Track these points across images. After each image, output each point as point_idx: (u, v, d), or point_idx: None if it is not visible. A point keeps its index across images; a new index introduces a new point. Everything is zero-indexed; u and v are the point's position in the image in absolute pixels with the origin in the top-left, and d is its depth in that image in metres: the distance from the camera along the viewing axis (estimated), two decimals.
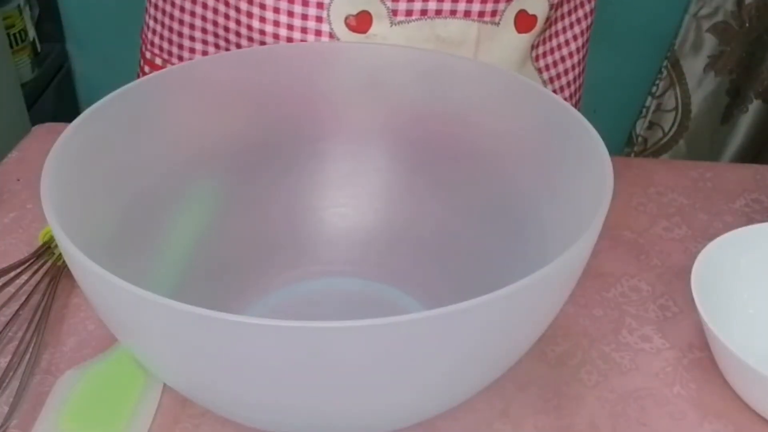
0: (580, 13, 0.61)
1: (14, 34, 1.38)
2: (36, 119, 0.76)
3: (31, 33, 1.44)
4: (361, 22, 0.53)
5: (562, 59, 0.61)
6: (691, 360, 0.48)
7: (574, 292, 0.38)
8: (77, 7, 1.50)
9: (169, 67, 0.53)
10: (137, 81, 0.45)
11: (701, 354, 0.48)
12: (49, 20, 1.51)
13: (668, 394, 0.45)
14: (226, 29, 0.57)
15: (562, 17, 0.60)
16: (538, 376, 0.46)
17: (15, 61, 1.36)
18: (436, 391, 0.36)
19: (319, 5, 0.53)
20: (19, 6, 1.38)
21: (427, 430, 0.42)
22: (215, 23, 0.57)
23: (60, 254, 0.51)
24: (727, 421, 0.44)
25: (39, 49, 1.48)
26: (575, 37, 0.61)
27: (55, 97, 1.51)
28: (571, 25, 0.61)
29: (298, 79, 0.51)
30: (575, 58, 0.62)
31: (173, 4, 0.59)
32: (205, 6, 0.57)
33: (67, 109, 1.52)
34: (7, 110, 1.23)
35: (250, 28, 0.55)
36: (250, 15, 0.54)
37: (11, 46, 1.35)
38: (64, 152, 0.39)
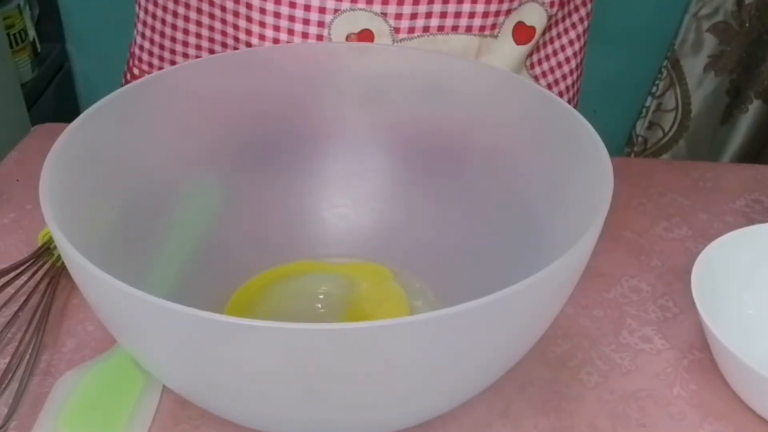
0: (575, 17, 0.61)
1: (14, 34, 1.38)
2: (36, 119, 0.76)
3: (31, 33, 1.44)
4: (362, 41, 0.53)
5: (559, 65, 0.61)
6: (691, 361, 0.48)
7: (574, 292, 0.38)
8: (77, 7, 1.50)
9: (168, 67, 0.52)
10: (137, 81, 0.45)
11: (701, 355, 0.48)
12: (49, 20, 1.51)
13: (668, 394, 0.45)
14: (224, 45, 0.57)
15: (557, 23, 0.60)
16: (538, 377, 0.46)
17: (15, 61, 1.36)
18: (436, 392, 0.36)
19: (320, 24, 0.52)
20: (19, 6, 1.38)
21: (426, 430, 0.42)
22: (211, 40, 0.57)
23: (59, 255, 0.51)
24: (727, 422, 0.44)
25: (39, 49, 1.48)
26: (571, 42, 0.61)
27: (55, 97, 1.51)
28: (566, 30, 0.61)
29: (298, 80, 0.51)
30: (572, 63, 0.62)
31: (164, 22, 0.58)
32: (199, 24, 0.57)
33: (67, 109, 1.52)
34: (7, 110, 1.23)
35: (248, 45, 0.54)
36: (248, 33, 0.54)
37: (11, 46, 1.35)
38: (64, 153, 0.39)
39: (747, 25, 1.20)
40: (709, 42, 1.23)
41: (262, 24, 0.53)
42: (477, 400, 0.42)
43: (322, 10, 0.52)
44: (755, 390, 0.43)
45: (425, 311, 0.34)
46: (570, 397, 0.45)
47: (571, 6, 0.60)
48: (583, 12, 0.61)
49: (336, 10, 0.52)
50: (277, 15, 0.52)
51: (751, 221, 0.58)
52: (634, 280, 0.53)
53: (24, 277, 0.50)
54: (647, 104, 1.30)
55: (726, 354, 0.43)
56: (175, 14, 0.57)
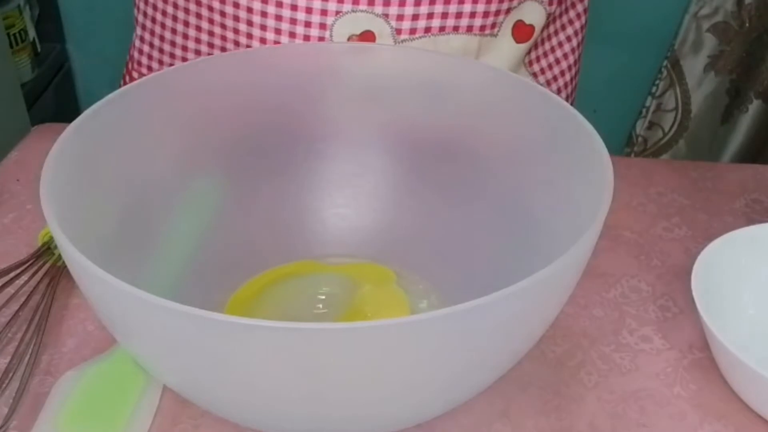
0: (572, 14, 0.61)
1: (14, 34, 1.38)
2: (36, 119, 0.76)
3: (31, 33, 1.44)
4: (364, 42, 0.53)
5: (557, 61, 0.61)
6: (691, 360, 0.48)
7: (574, 292, 0.38)
8: (77, 7, 1.50)
9: (168, 67, 0.52)
10: (137, 81, 0.45)
11: (701, 354, 0.48)
12: (49, 20, 1.50)
13: (668, 394, 0.45)
14: (224, 49, 0.56)
15: (554, 19, 0.60)
16: (538, 377, 0.46)
17: (15, 61, 1.36)
18: (436, 392, 0.36)
19: (322, 26, 0.52)
20: (19, 6, 1.38)
21: (426, 431, 0.42)
22: (211, 45, 0.57)
23: (60, 255, 0.51)
24: (727, 421, 0.44)
25: (39, 49, 1.48)
26: (569, 39, 0.61)
27: (55, 97, 1.50)
28: (563, 27, 0.61)
29: (298, 80, 0.50)
30: (570, 59, 0.62)
31: (163, 26, 0.58)
32: (198, 28, 0.57)
33: (67, 109, 1.52)
34: (7, 110, 1.23)
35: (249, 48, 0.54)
36: (249, 36, 0.54)
37: (11, 46, 1.35)
38: (64, 153, 0.39)
39: (747, 25, 1.20)
40: (709, 42, 1.23)
41: (263, 27, 0.53)
42: (477, 400, 0.42)
43: (323, 12, 0.52)
44: (755, 390, 0.43)
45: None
46: (570, 397, 0.45)
47: (568, 2, 0.60)
48: (579, 8, 0.61)
49: (338, 12, 0.52)
50: (278, 18, 0.52)
51: (751, 221, 0.58)
52: (634, 280, 0.53)
53: (24, 277, 0.50)
54: (647, 104, 1.30)
55: (726, 354, 0.43)
56: (174, 18, 0.57)
